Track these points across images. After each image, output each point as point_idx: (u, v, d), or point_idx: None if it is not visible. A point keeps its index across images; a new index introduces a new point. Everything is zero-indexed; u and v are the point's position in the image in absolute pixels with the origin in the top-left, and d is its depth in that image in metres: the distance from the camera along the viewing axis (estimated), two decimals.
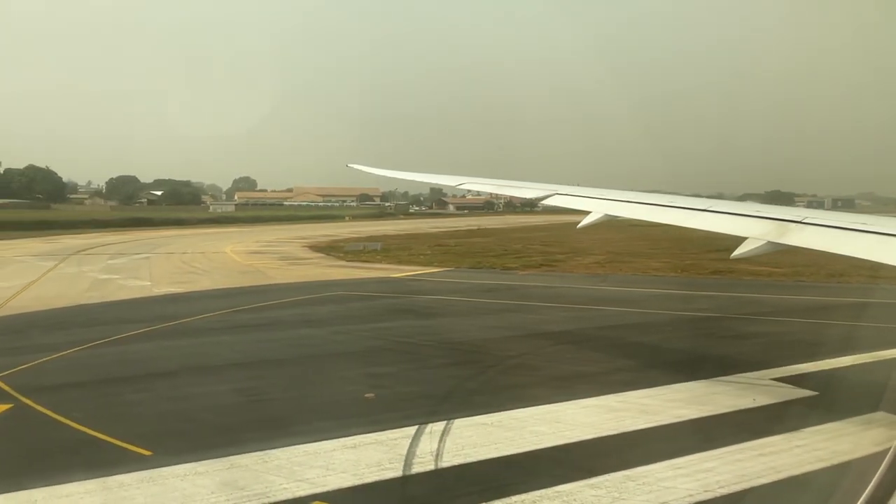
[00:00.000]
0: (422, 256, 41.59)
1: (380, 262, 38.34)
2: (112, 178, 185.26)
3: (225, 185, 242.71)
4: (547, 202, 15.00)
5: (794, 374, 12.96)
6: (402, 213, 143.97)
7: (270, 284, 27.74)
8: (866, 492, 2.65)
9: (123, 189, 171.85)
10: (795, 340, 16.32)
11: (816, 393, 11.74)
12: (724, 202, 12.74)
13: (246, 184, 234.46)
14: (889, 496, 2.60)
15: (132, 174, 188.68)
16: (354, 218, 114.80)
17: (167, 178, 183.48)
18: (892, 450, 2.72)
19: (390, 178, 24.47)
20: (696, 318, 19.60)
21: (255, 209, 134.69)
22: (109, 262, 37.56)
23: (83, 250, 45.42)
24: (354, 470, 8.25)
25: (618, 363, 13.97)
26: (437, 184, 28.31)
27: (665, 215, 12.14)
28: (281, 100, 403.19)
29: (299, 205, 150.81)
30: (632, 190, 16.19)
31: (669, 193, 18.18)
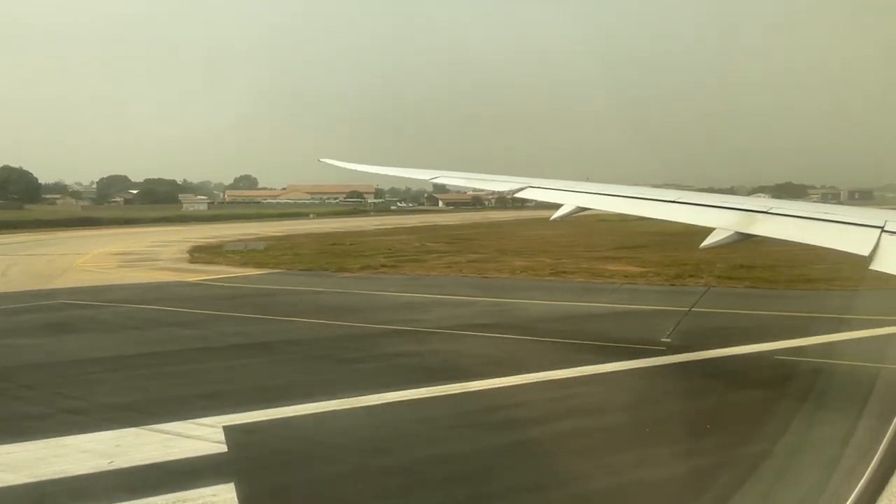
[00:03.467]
0: (282, 257, 38.71)
1: (225, 264, 35.51)
2: (102, 179, 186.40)
3: (229, 182, 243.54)
4: (519, 195, 14.99)
5: (286, 416, 9.64)
6: (382, 210, 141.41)
7: (25, 291, 24.95)
8: (856, 490, 2.61)
9: (112, 189, 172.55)
10: (420, 366, 12.86)
11: (225, 450, 8.45)
12: (694, 193, 12.71)
13: (246, 182, 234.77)
14: (880, 491, 2.56)
15: (124, 174, 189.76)
16: (320, 215, 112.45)
17: (159, 177, 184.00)
18: (882, 446, 2.69)
19: (371, 174, 23.87)
20: (389, 331, 16.23)
21: (228, 207, 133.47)
22: None
23: None
24: None
25: (108, 400, 10.68)
26: (409, 178, 26.97)
27: (634, 207, 12.01)
28: (280, 98, 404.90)
29: (277, 202, 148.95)
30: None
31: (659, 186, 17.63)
